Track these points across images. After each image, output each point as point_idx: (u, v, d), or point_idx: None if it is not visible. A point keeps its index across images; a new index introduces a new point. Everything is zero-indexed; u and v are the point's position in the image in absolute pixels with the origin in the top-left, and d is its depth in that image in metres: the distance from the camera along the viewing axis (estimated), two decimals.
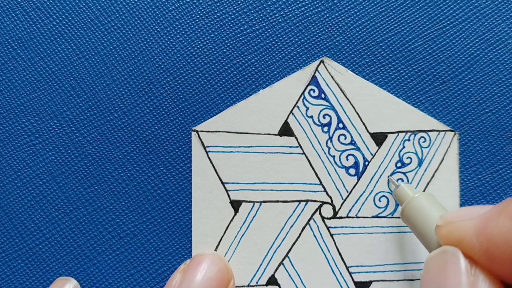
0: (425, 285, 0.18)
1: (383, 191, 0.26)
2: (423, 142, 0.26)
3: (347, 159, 0.26)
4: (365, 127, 0.26)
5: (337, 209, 0.26)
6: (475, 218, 0.18)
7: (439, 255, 0.19)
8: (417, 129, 0.26)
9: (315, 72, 0.27)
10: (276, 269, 0.26)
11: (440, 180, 0.26)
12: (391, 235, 0.26)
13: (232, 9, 0.27)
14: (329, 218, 0.26)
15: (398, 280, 0.26)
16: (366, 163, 0.26)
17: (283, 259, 0.26)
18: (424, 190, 0.26)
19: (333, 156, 0.26)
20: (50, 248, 0.26)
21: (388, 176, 0.26)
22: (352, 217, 0.26)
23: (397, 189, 0.24)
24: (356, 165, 0.26)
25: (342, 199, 0.26)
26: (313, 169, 0.26)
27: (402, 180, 0.26)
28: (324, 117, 0.26)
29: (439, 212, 0.21)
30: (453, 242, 0.18)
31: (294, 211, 0.26)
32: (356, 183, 0.26)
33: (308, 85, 0.27)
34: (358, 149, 0.26)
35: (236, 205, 0.26)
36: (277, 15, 0.27)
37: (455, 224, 0.19)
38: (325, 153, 0.26)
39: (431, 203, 0.22)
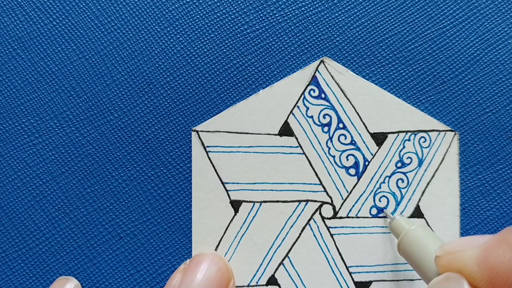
0: None
1: (383, 191, 0.26)
2: (423, 142, 0.26)
3: (347, 159, 0.26)
4: (365, 127, 0.26)
5: (337, 209, 0.26)
6: (476, 247, 0.18)
7: (443, 281, 0.19)
8: (417, 129, 0.26)
9: (315, 72, 0.27)
10: (276, 269, 0.26)
11: (440, 180, 0.26)
12: (391, 235, 0.26)
13: (232, 9, 0.27)
14: (329, 218, 0.26)
15: (398, 280, 0.26)
16: (366, 163, 0.26)
17: (283, 259, 0.26)
18: (424, 190, 0.26)
19: (333, 156, 0.26)
20: (50, 248, 0.26)
21: (383, 210, 0.26)
22: (352, 217, 0.26)
23: (392, 222, 0.24)
24: (356, 165, 0.26)
25: (342, 199, 0.26)
26: (313, 169, 0.26)
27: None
28: (324, 117, 0.26)
29: (436, 243, 0.21)
30: (454, 271, 0.19)
31: (294, 211, 0.26)
32: (356, 183, 0.26)
33: (308, 85, 0.27)
34: (358, 149, 0.26)
35: (236, 205, 0.26)
36: (277, 15, 0.27)
37: (456, 254, 0.19)
38: (325, 153, 0.26)
39: (427, 234, 0.22)
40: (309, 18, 0.27)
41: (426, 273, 0.21)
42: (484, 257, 0.18)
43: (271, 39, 0.27)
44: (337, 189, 0.26)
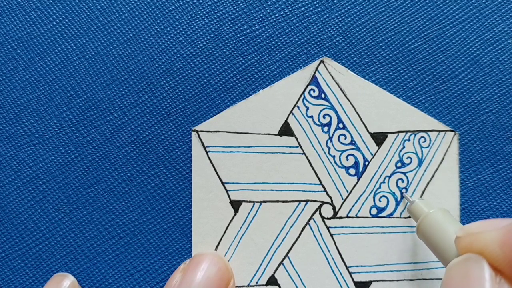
0: None
1: (383, 191, 0.26)
2: (423, 142, 0.26)
3: (347, 159, 0.26)
4: (365, 127, 0.26)
5: (337, 209, 0.26)
6: (499, 229, 0.18)
7: (462, 262, 0.19)
8: (417, 129, 0.26)
9: (315, 72, 0.27)
10: (276, 269, 0.26)
11: (440, 180, 0.26)
12: (391, 235, 0.26)
13: (232, 9, 0.27)
14: (329, 218, 0.26)
15: (398, 280, 0.26)
16: (366, 163, 0.26)
17: (283, 259, 0.26)
18: (424, 190, 0.26)
19: (333, 156, 0.26)
20: (50, 248, 0.26)
21: (403, 193, 0.26)
22: (352, 217, 0.26)
23: (412, 205, 0.25)
24: (356, 165, 0.26)
25: (342, 199, 0.26)
26: (313, 169, 0.26)
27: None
28: (324, 117, 0.26)
29: (456, 226, 0.21)
30: (475, 252, 0.19)
31: (294, 211, 0.26)
32: (356, 183, 0.26)
33: (308, 85, 0.27)
34: (358, 149, 0.26)
35: (236, 205, 0.26)
36: (277, 15, 0.27)
37: (477, 235, 0.19)
38: (325, 153, 0.26)
39: (447, 217, 0.22)
40: (309, 18, 0.27)
41: (445, 256, 0.21)
42: (507, 239, 0.18)
43: (271, 39, 0.27)
44: (337, 189, 0.26)
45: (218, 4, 0.27)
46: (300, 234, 0.26)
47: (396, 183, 0.26)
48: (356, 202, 0.26)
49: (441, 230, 0.22)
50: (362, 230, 0.26)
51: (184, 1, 0.27)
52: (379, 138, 0.26)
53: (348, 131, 0.26)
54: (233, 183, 0.26)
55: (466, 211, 0.27)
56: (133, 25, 0.27)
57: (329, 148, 0.26)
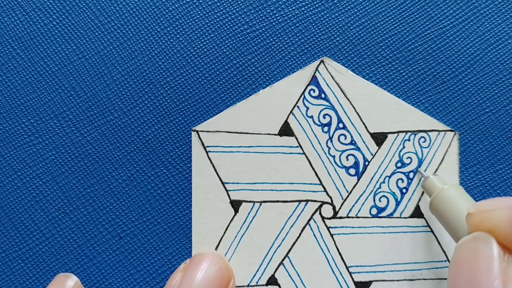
0: (455, 270, 0.19)
1: (383, 191, 0.26)
2: (423, 142, 0.26)
3: (347, 159, 0.26)
4: (365, 127, 0.26)
5: (337, 209, 0.26)
6: (510, 207, 0.18)
7: (471, 240, 0.19)
8: (417, 129, 0.26)
9: (315, 72, 0.27)
10: (276, 269, 0.26)
11: None
12: (391, 235, 0.26)
13: (232, 9, 0.27)
14: (329, 218, 0.26)
15: (398, 280, 0.26)
16: (366, 163, 0.26)
17: (283, 259, 0.26)
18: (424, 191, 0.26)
19: (333, 156, 0.26)
20: (50, 248, 0.26)
21: (417, 168, 0.26)
22: (352, 217, 0.26)
23: (426, 180, 0.25)
24: (356, 165, 0.26)
25: (342, 199, 0.26)
26: (313, 169, 0.26)
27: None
28: (324, 117, 0.26)
29: (468, 203, 0.21)
30: (485, 230, 0.19)
31: (294, 211, 0.26)
32: (356, 183, 0.26)
33: (308, 85, 0.27)
34: (358, 149, 0.26)
35: (236, 205, 0.26)
36: (277, 15, 0.27)
37: (488, 213, 0.19)
38: (325, 153, 0.26)
39: (460, 194, 0.23)
40: (309, 18, 0.27)
41: (457, 232, 0.21)
42: None
43: (271, 39, 0.27)
44: (337, 189, 0.26)
45: (218, 4, 0.27)
46: (300, 234, 0.26)
47: (396, 183, 0.26)
48: (356, 202, 0.26)
49: (454, 206, 0.22)
50: (362, 230, 0.26)
51: (184, 1, 0.27)
52: (379, 138, 0.26)
53: (348, 131, 0.26)
54: (233, 183, 0.26)
55: None
56: (133, 25, 0.27)
57: (329, 148, 0.26)
